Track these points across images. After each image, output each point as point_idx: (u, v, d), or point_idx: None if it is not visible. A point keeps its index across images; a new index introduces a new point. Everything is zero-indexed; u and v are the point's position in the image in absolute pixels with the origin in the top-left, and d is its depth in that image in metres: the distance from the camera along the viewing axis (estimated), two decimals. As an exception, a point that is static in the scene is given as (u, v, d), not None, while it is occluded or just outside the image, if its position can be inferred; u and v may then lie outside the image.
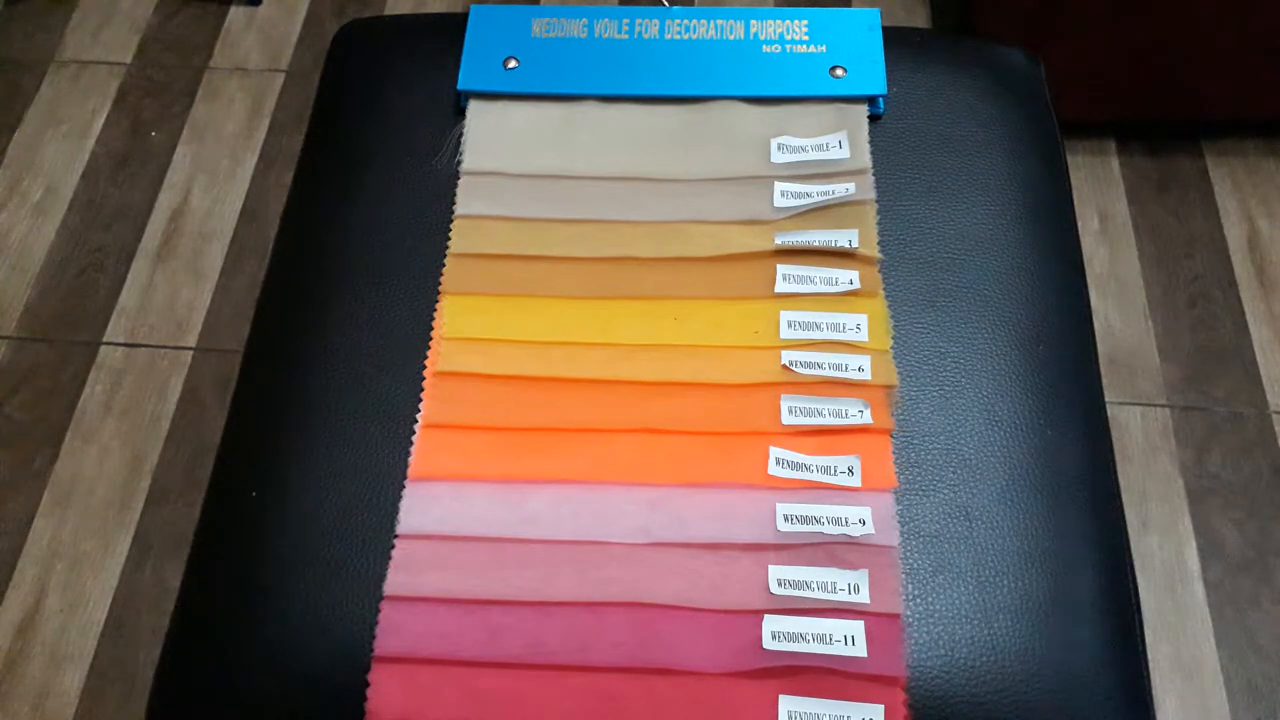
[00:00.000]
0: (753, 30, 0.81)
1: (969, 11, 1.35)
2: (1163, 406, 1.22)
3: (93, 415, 1.23)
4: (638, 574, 0.61)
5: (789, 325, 0.69)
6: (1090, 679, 0.61)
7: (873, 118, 0.78)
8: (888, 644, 0.59)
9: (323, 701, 0.60)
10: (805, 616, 0.59)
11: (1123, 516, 0.69)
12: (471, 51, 0.81)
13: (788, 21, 0.82)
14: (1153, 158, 1.40)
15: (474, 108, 0.80)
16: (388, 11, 1.57)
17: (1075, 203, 0.81)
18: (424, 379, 0.68)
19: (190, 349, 1.27)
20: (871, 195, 0.74)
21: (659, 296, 0.71)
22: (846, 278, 0.71)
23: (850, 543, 0.61)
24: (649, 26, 0.82)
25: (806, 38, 0.81)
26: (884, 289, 0.71)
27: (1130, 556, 0.67)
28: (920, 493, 0.64)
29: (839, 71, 0.79)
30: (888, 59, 0.80)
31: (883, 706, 0.57)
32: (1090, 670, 0.61)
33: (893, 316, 0.70)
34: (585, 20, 0.82)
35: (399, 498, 0.64)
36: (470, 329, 0.70)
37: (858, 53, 0.80)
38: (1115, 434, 0.89)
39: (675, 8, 0.83)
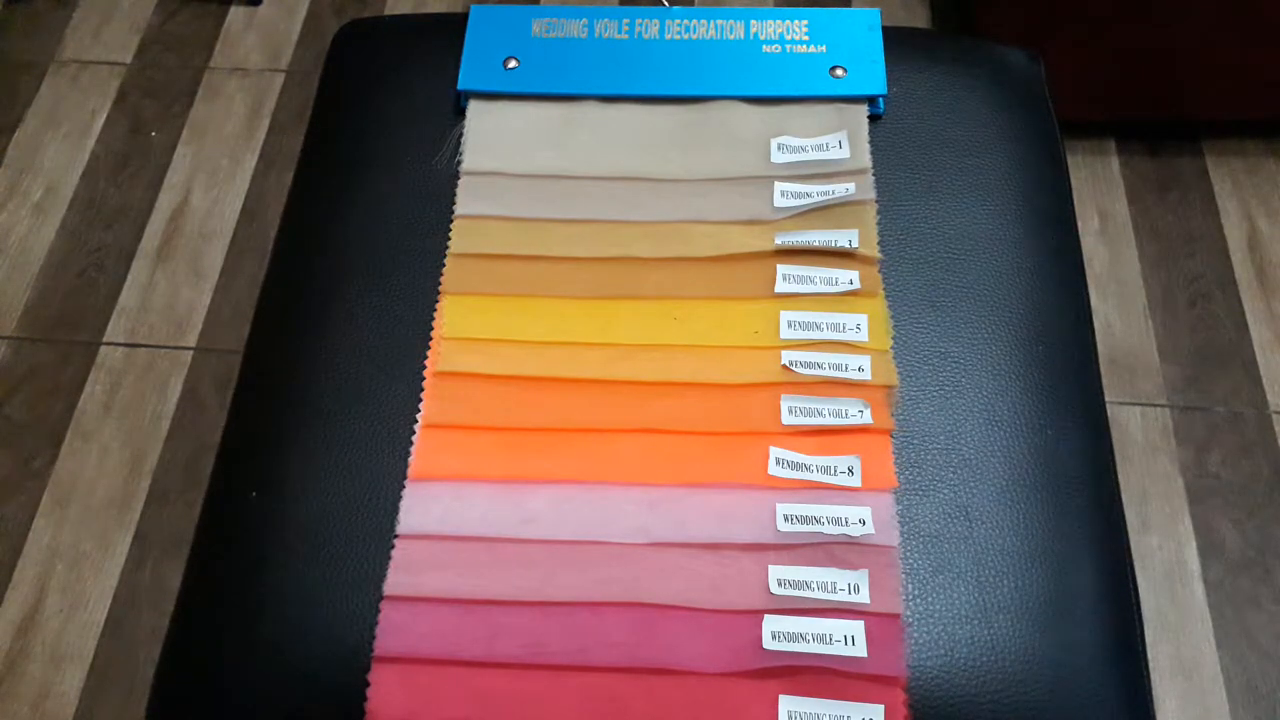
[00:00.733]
0: (753, 30, 0.81)
1: (969, 11, 1.35)
2: (1163, 406, 1.22)
3: (92, 415, 1.23)
4: (638, 574, 0.61)
5: (789, 325, 0.69)
6: (1090, 679, 0.61)
7: (873, 118, 0.78)
8: (888, 644, 0.59)
9: (323, 701, 0.60)
10: (805, 616, 0.59)
11: (1123, 516, 0.69)
12: (471, 51, 0.81)
13: (788, 21, 0.82)
14: (1153, 158, 1.40)
15: (474, 108, 0.80)
16: (388, 11, 1.57)
17: (1075, 203, 0.81)
18: (424, 379, 0.68)
19: (190, 349, 1.27)
20: (871, 195, 0.74)
21: (659, 296, 0.71)
22: (846, 278, 0.71)
23: (850, 543, 0.61)
24: (649, 26, 0.82)
25: (806, 38, 0.81)
26: (884, 289, 0.71)
27: (1130, 556, 0.67)
28: (920, 493, 0.64)
29: (839, 71, 0.79)
30: (888, 59, 0.80)
31: (883, 706, 0.57)
32: (1090, 670, 0.61)
33: (893, 316, 0.70)
34: (585, 20, 0.82)
35: (399, 498, 0.64)
36: (470, 329, 0.70)
37: (858, 53, 0.80)
38: (1115, 434, 0.89)
39: (675, 8, 0.83)
